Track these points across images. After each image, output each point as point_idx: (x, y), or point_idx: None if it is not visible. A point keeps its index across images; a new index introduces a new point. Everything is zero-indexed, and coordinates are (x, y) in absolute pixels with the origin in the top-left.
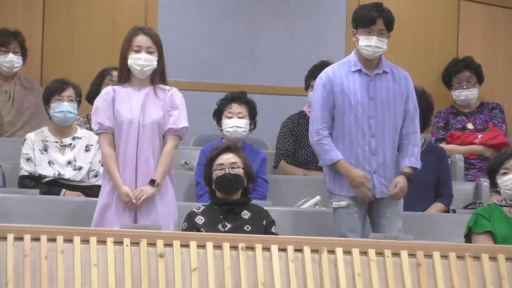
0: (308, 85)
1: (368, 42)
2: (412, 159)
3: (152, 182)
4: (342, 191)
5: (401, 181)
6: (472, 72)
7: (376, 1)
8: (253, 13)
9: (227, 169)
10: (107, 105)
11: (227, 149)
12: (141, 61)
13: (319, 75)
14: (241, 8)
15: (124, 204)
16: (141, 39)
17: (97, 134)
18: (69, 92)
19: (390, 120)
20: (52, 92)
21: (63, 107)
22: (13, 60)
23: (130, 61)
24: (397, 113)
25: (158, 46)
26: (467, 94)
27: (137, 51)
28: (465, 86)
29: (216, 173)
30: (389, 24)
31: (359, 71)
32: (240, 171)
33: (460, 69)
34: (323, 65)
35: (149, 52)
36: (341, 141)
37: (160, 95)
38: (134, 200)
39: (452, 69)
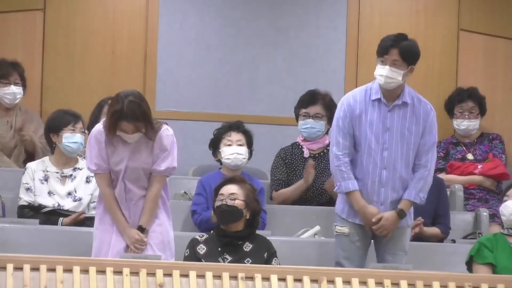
0: (297, 116)
1: (380, 71)
2: (412, 193)
3: (141, 230)
4: (350, 217)
5: (387, 217)
6: (475, 103)
7: (400, 33)
8: (253, 43)
9: (225, 200)
10: (102, 146)
11: (231, 180)
12: (130, 139)
13: (342, 100)
14: (240, 38)
15: (132, 245)
16: (126, 127)
17: (95, 174)
18: (81, 124)
19: (402, 153)
20: (65, 123)
21: (77, 139)
22: (15, 91)
23: (118, 132)
24: (410, 147)
25: (144, 120)
26: (468, 124)
27: (125, 132)
28: (466, 116)
29: (216, 203)
30: (405, 56)
31: (379, 100)
32: (238, 203)
33: (464, 98)
34: (310, 94)
35: (136, 132)
36: (354, 169)
37: (151, 137)
38: (145, 239)
39: (455, 97)
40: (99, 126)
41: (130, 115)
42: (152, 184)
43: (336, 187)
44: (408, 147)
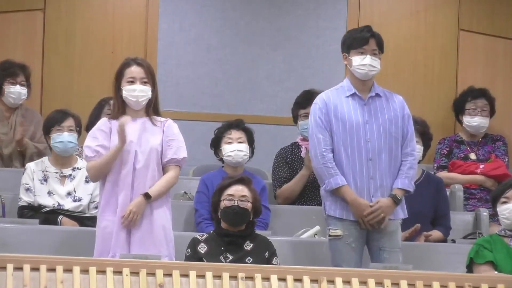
0: (296, 117)
1: (362, 61)
2: (406, 182)
3: (147, 196)
4: (343, 214)
5: (383, 200)
6: (488, 102)
7: (365, 25)
8: (253, 43)
9: (236, 201)
10: (105, 135)
11: (240, 180)
12: (136, 92)
13: (314, 101)
14: (240, 39)
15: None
16: (135, 70)
17: (89, 160)
18: (69, 122)
19: (385, 143)
20: (52, 122)
21: (63, 138)
22: (20, 92)
23: (124, 93)
24: (392, 136)
25: (151, 76)
26: (480, 121)
27: (131, 82)
28: (479, 113)
29: (225, 203)
30: (380, 45)
31: (353, 94)
32: (248, 205)
33: (477, 95)
34: (307, 94)
35: (144, 83)
36: (339, 165)
37: (157, 124)
38: (128, 121)
39: (468, 95)
40: (104, 119)
41: (140, 59)
42: (168, 170)
43: (324, 186)
44: (390, 137)
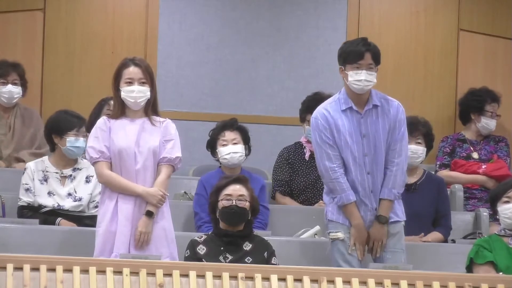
0: (303, 119)
1: (358, 77)
2: (385, 191)
3: (149, 214)
4: (346, 221)
5: (372, 231)
6: (498, 106)
7: (362, 37)
8: (253, 43)
9: (234, 201)
10: (105, 135)
11: (237, 180)
12: (134, 93)
13: (314, 115)
14: (240, 39)
15: (158, 202)
16: (133, 71)
17: (96, 162)
18: (84, 128)
19: (381, 156)
20: (69, 126)
21: (80, 143)
22: (12, 91)
23: (123, 94)
24: (388, 148)
25: (150, 76)
26: (495, 124)
27: (129, 83)
28: (495, 117)
29: (223, 203)
30: (376, 58)
31: (350, 108)
32: (246, 205)
33: (495, 99)
34: (316, 97)
35: (142, 83)
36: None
37: (156, 124)
38: (167, 193)
39: (487, 96)
40: (103, 118)
41: (138, 59)
42: (160, 171)
43: (335, 200)
44: (386, 149)
